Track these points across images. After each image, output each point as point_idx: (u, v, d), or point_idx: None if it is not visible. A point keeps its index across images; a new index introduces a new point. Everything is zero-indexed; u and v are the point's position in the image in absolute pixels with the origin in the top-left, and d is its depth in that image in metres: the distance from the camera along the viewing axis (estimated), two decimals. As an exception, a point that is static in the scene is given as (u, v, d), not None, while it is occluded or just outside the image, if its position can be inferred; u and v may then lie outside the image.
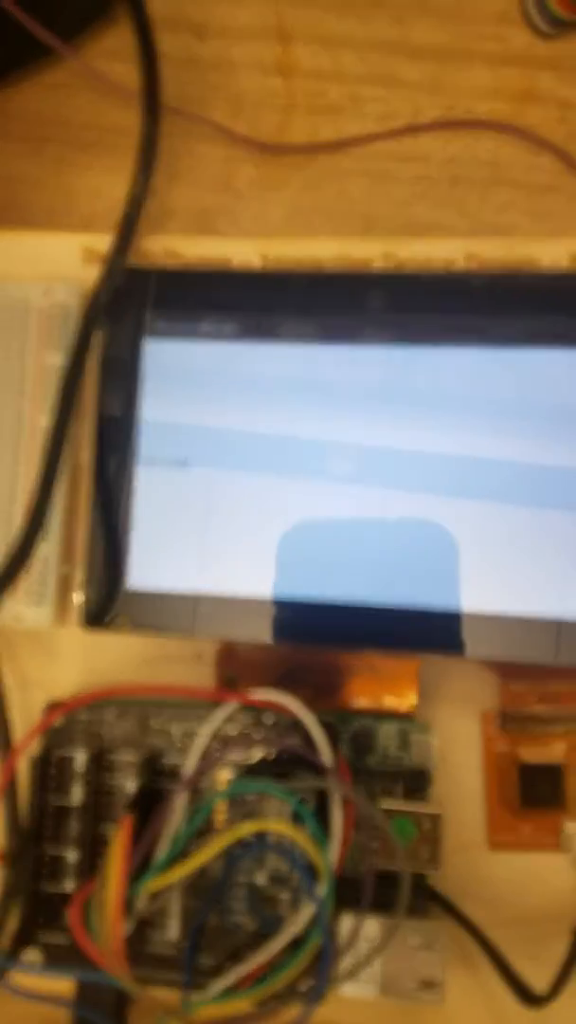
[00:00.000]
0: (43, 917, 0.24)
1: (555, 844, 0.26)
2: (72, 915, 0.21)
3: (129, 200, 0.28)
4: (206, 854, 0.22)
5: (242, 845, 0.23)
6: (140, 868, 0.22)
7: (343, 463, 0.26)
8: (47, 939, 0.24)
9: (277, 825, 0.22)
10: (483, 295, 0.25)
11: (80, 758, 0.25)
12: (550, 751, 0.26)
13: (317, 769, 0.23)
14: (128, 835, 0.21)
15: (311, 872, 0.22)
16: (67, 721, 0.25)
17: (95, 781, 0.25)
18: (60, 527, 0.28)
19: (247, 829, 0.22)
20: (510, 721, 0.26)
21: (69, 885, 0.24)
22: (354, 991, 0.23)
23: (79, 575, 0.27)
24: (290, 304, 0.26)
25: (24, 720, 0.27)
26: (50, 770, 0.25)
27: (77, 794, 0.25)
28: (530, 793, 0.26)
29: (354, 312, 0.26)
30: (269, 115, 0.31)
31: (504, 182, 0.30)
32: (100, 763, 0.25)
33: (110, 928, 0.20)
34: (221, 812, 0.23)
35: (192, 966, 0.23)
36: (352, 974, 0.22)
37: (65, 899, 0.24)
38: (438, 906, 0.25)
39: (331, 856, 0.22)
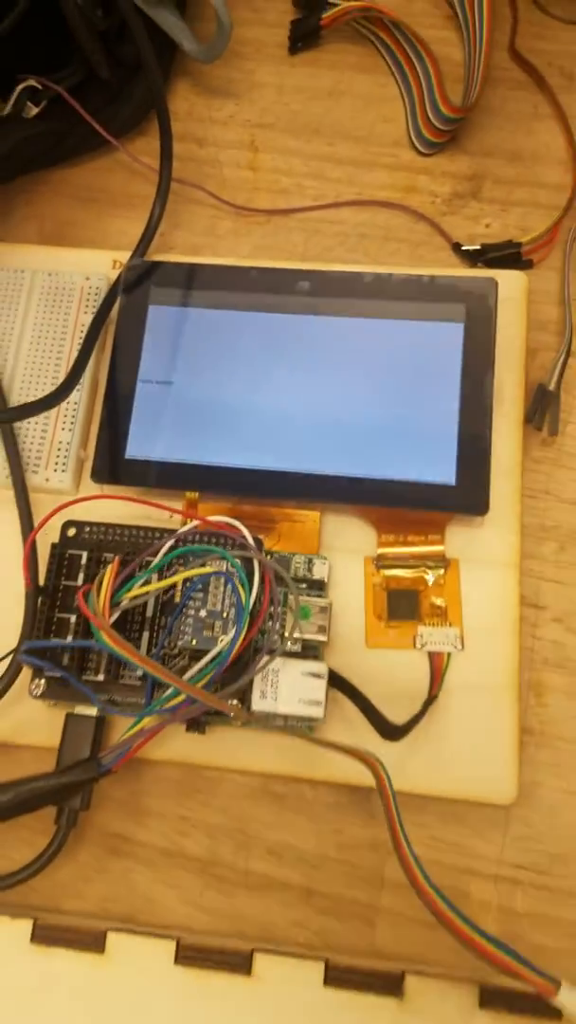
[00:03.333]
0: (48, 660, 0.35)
1: (412, 644, 0.37)
2: (79, 596, 0.32)
3: (145, 230, 0.43)
4: (167, 581, 0.33)
5: (191, 587, 0.34)
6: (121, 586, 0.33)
7: (275, 385, 0.39)
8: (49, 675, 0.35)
9: (218, 568, 0.33)
10: (371, 287, 0.40)
11: (84, 555, 0.36)
12: (408, 581, 0.38)
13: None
14: (117, 564, 0.33)
15: (240, 610, 0.33)
16: (77, 533, 0.37)
17: (92, 570, 0.36)
18: (80, 422, 0.40)
19: (196, 571, 0.34)
20: (382, 561, 0.38)
21: (69, 638, 0.35)
22: (262, 706, 0.33)
23: (91, 458, 0.39)
24: (245, 286, 0.40)
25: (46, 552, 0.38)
26: (64, 562, 0.36)
27: (80, 579, 0.36)
28: (395, 609, 0.37)
29: (287, 293, 0.40)
30: (242, 192, 0.46)
31: (394, 239, 0.45)
32: (97, 559, 0.36)
33: (103, 604, 0.31)
34: (180, 566, 0.35)
35: (152, 692, 0.34)
36: (262, 669, 0.32)
37: (65, 649, 0.35)
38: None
39: (251, 595, 0.33)
